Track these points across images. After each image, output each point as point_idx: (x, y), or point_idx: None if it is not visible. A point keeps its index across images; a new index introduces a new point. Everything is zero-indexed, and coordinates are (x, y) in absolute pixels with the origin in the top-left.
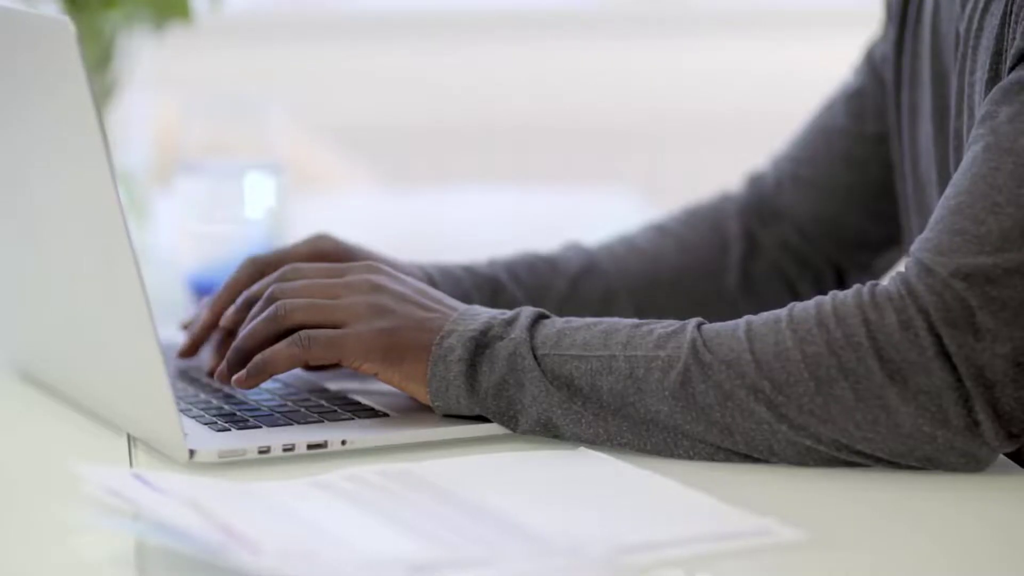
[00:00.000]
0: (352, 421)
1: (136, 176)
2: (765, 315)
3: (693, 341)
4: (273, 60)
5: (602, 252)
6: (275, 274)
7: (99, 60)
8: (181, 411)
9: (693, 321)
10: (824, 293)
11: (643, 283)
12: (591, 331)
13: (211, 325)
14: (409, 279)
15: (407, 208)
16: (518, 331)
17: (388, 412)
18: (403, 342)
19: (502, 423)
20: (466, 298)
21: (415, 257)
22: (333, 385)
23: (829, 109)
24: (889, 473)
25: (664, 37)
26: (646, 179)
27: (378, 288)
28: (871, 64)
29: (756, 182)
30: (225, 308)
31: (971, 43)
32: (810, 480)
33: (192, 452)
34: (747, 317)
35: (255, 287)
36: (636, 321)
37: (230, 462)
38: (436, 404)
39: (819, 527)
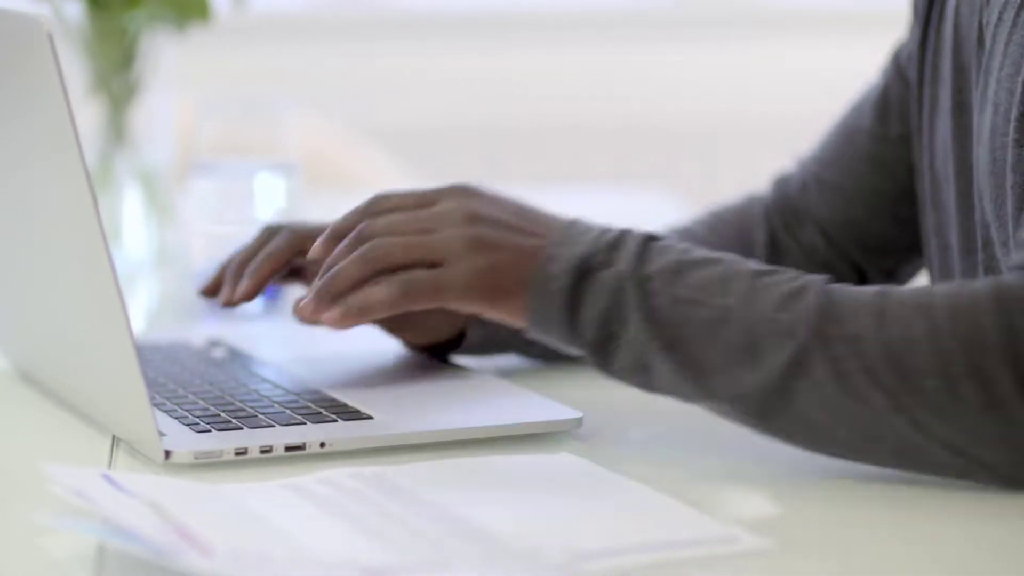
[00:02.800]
0: (334, 423)
1: (160, 176)
2: (899, 294)
3: (820, 308)
4: (309, 60)
5: None
6: (362, 205)
7: (122, 60)
8: (166, 411)
9: (818, 280)
10: None
11: None
12: (709, 270)
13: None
14: (505, 198)
15: None
16: (624, 261)
17: (371, 414)
18: (507, 279)
19: (597, 359)
20: None
21: None
22: (328, 389)
23: (855, 111)
24: (872, 485)
25: (714, 39)
26: (697, 181)
27: (474, 218)
28: (896, 65)
29: (782, 184)
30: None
31: (1002, 37)
32: (789, 490)
33: (168, 453)
34: (881, 289)
35: (341, 220)
36: (755, 267)
37: (207, 463)
38: (536, 335)
39: (791, 536)
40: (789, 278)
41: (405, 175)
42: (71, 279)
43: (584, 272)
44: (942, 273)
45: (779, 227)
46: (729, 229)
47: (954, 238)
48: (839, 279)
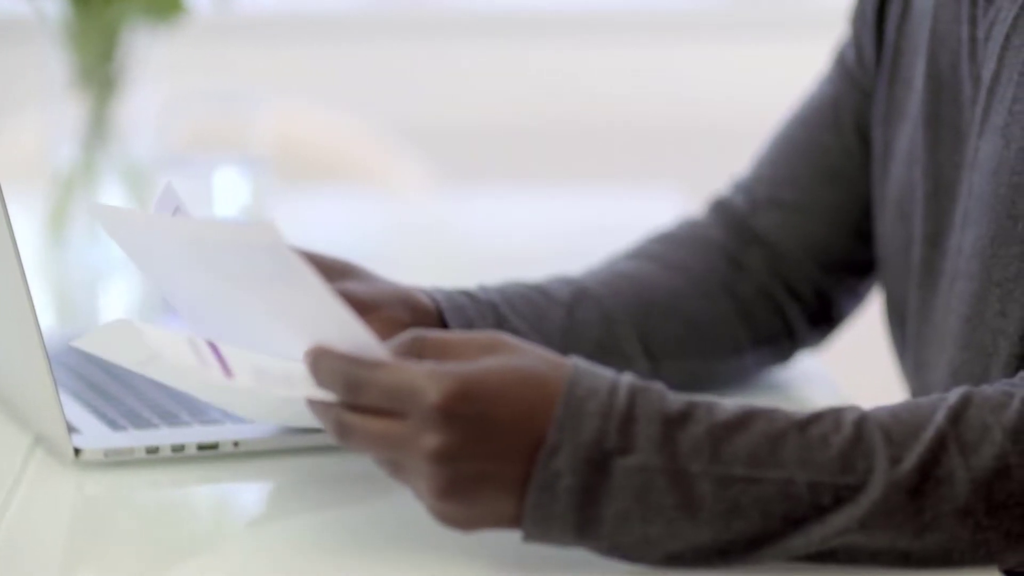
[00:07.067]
0: (253, 423)
1: (143, 171)
2: (969, 418)
3: (891, 463)
4: (303, 57)
5: (588, 279)
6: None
7: (104, 54)
8: (91, 409)
9: (872, 422)
10: (812, 320)
11: (638, 306)
12: (748, 434)
13: None
14: (493, 394)
15: (459, 208)
16: (647, 446)
17: None
18: (486, 496)
19: (616, 557)
20: (470, 326)
21: (462, 258)
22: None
23: (803, 125)
24: None
25: (741, 40)
26: (716, 181)
27: (441, 457)
28: (844, 69)
29: (726, 208)
30: None
31: (1016, 64)
32: None
33: (78, 451)
34: (946, 415)
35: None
36: (797, 419)
37: (117, 461)
38: (532, 538)
39: None
40: (839, 428)
41: (398, 171)
42: None
43: (597, 465)
44: (894, 277)
45: (739, 254)
46: (684, 249)
47: (918, 252)
48: (801, 303)
